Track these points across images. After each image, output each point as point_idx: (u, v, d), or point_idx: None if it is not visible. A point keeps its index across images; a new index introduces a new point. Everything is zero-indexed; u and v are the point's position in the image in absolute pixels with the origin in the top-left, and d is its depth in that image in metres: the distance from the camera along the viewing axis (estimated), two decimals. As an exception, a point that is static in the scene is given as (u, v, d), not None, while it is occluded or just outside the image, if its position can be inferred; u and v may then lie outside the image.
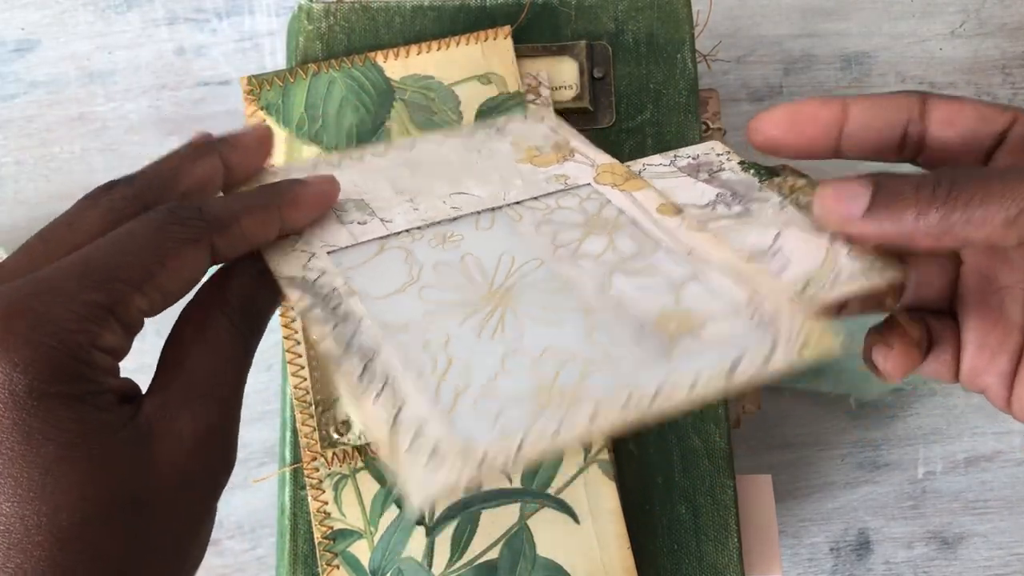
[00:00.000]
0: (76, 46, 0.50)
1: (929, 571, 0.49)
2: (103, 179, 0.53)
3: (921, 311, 0.33)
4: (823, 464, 0.49)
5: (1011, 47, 0.51)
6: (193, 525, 0.24)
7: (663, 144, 0.41)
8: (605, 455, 0.38)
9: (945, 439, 0.50)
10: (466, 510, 0.38)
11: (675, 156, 0.31)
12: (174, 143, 0.50)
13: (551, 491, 0.38)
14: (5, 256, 0.44)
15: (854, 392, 0.49)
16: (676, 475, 0.39)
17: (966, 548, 0.49)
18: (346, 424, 0.37)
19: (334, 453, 0.37)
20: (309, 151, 0.39)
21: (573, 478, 0.38)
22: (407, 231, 0.27)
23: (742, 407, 0.41)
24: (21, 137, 0.49)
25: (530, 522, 0.38)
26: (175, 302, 0.25)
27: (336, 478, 0.37)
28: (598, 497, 0.37)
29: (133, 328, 0.24)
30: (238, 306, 0.26)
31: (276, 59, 0.50)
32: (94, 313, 0.23)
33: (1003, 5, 0.52)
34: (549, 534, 0.37)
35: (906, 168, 0.31)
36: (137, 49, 0.50)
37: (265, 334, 0.27)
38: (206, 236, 0.25)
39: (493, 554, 0.38)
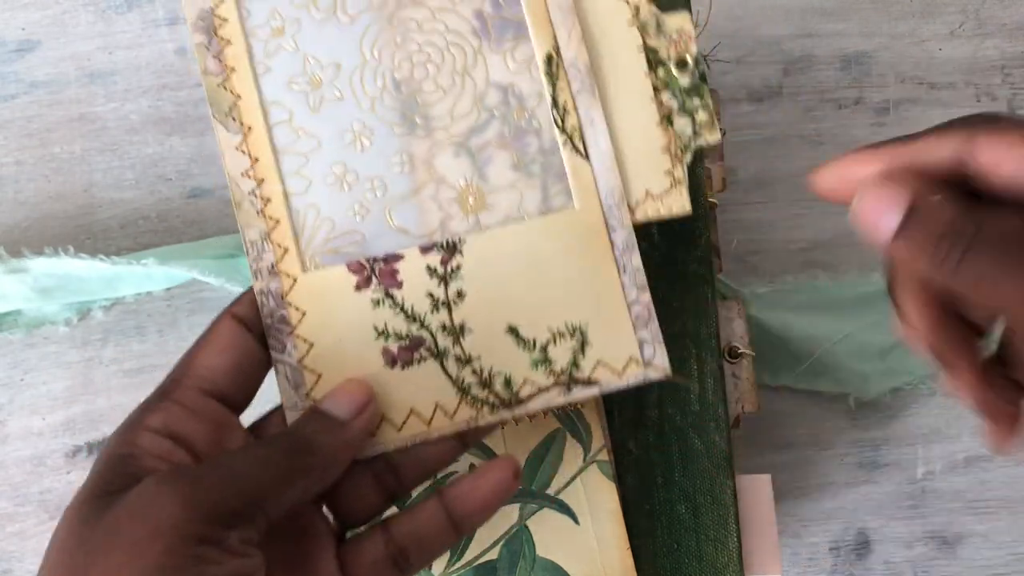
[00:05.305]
0: (76, 46, 0.50)
1: (929, 571, 0.49)
2: (103, 179, 0.54)
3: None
4: (823, 464, 0.50)
5: (1011, 47, 0.51)
6: None
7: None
8: (604, 455, 0.38)
9: (945, 439, 0.50)
10: (466, 510, 0.38)
11: None
12: (175, 143, 0.50)
13: (550, 491, 0.38)
14: (5, 255, 0.44)
15: (854, 392, 0.49)
16: (676, 475, 0.39)
17: (966, 548, 0.49)
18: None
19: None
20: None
21: (573, 478, 0.38)
22: None
23: (742, 407, 0.41)
24: (21, 137, 0.49)
25: (529, 522, 0.38)
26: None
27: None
28: (597, 497, 0.37)
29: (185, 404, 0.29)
30: None
31: (276, 59, 0.50)
32: (143, 409, 0.29)
33: (1003, 5, 0.52)
34: (548, 534, 0.37)
35: None
36: (137, 49, 0.50)
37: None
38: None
39: (492, 554, 0.38)
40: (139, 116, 0.50)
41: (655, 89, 0.33)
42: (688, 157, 0.33)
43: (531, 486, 0.38)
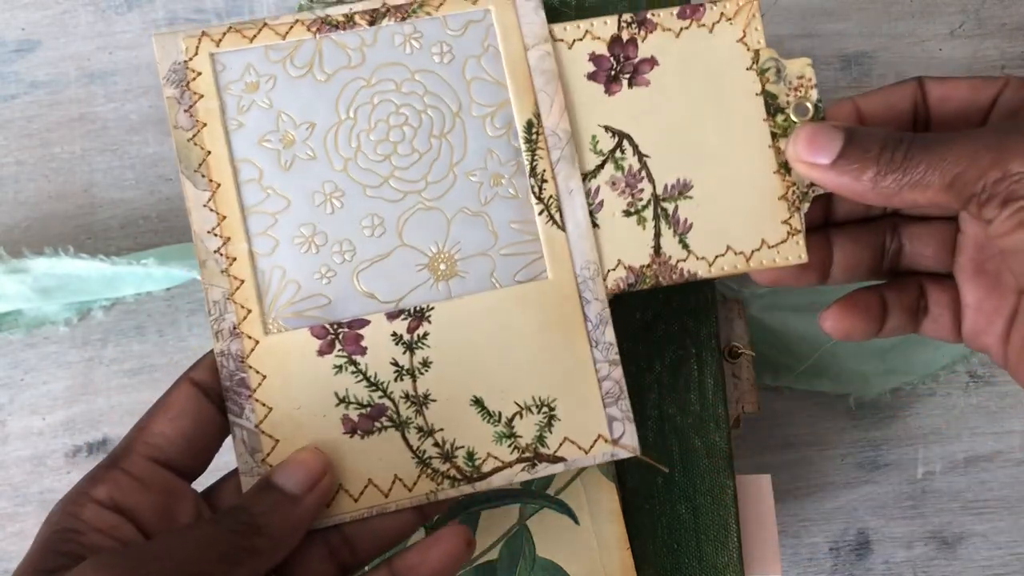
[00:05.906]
0: (76, 46, 0.50)
1: (929, 571, 0.49)
2: (103, 179, 0.54)
3: (919, 275, 0.34)
4: (823, 464, 0.50)
5: (1010, 47, 0.51)
6: None
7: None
8: (605, 455, 0.38)
9: (945, 439, 0.50)
10: (466, 510, 0.38)
11: None
12: (174, 143, 0.50)
13: (551, 491, 0.38)
14: (5, 255, 0.44)
15: (854, 392, 0.49)
16: (676, 475, 0.39)
17: (966, 548, 0.49)
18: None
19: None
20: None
21: (573, 478, 0.38)
22: None
23: (742, 407, 0.41)
24: (21, 137, 0.49)
25: (530, 523, 0.38)
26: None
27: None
28: (598, 497, 0.37)
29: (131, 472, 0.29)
30: None
31: (276, 59, 0.50)
32: (91, 477, 0.28)
33: (1003, 5, 0.52)
34: (548, 535, 0.37)
35: None
36: (137, 49, 0.50)
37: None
38: None
39: (493, 555, 0.38)
40: (139, 116, 0.50)
41: (773, 135, 0.32)
42: (805, 206, 0.32)
43: (531, 486, 0.38)
